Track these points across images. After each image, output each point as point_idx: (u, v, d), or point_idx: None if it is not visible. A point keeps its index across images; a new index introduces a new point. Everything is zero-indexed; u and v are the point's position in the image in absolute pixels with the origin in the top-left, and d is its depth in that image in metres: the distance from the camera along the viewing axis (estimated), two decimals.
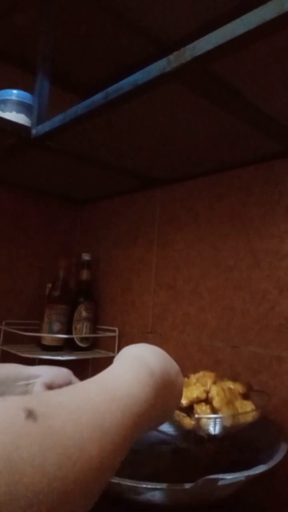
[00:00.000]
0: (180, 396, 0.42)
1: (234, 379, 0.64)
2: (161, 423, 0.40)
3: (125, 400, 0.29)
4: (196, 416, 0.55)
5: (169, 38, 0.89)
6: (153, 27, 0.88)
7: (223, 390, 0.57)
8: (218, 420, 0.55)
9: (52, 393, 0.27)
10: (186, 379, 0.64)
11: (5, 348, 1.03)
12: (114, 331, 1.09)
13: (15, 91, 0.84)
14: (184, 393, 0.56)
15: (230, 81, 0.55)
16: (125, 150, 0.83)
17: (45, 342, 1.04)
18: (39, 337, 1.06)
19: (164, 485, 0.47)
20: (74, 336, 1.07)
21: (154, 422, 0.36)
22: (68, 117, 0.69)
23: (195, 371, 0.88)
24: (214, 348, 0.86)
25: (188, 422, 0.55)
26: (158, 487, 0.46)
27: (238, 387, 0.61)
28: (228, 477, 0.46)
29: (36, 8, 0.81)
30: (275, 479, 0.63)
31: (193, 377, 0.63)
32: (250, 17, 0.43)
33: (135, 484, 0.46)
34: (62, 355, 1.01)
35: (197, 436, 0.56)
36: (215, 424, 0.55)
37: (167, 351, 1.00)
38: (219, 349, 0.85)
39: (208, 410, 0.56)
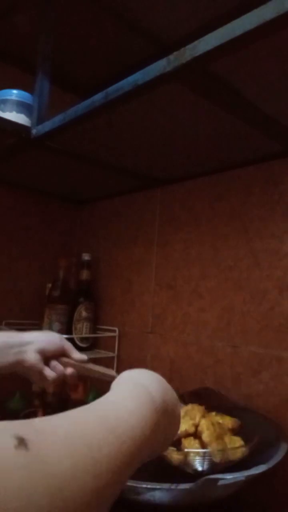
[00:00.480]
0: (178, 424, 0.41)
1: (222, 414, 0.63)
2: (161, 451, 0.38)
3: (123, 431, 0.27)
4: (185, 450, 0.54)
5: (169, 38, 0.89)
6: (153, 27, 0.88)
7: (213, 424, 0.56)
8: (207, 455, 0.53)
9: (47, 419, 0.25)
10: None
11: None
12: (114, 331, 1.09)
13: (15, 91, 0.84)
14: None
15: (230, 81, 0.55)
16: (125, 150, 0.83)
17: None
18: None
19: (164, 485, 0.47)
20: (74, 336, 1.07)
21: (154, 450, 0.34)
22: (68, 117, 0.69)
23: (195, 371, 0.88)
24: (214, 348, 0.86)
25: (176, 456, 0.54)
26: (158, 487, 0.46)
27: (227, 422, 0.60)
28: (228, 477, 0.46)
29: (36, 8, 0.81)
30: (275, 479, 0.63)
31: (181, 410, 0.63)
32: (250, 17, 0.43)
33: (135, 484, 0.46)
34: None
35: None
36: (204, 459, 0.53)
37: (167, 351, 1.00)
38: (219, 349, 0.85)
39: (197, 445, 0.55)
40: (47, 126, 0.74)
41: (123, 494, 0.48)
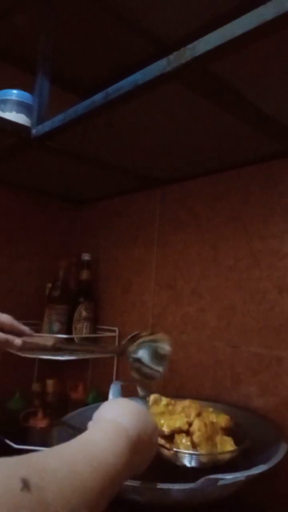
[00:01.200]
0: (155, 448, 0.46)
1: (219, 411, 0.64)
2: (138, 473, 0.43)
3: (105, 467, 0.32)
4: (174, 449, 0.56)
5: (169, 38, 0.89)
6: (153, 27, 0.88)
7: (205, 425, 0.58)
8: (194, 456, 0.56)
9: (42, 457, 0.30)
10: (172, 404, 0.64)
11: None
12: (114, 331, 1.09)
13: (15, 91, 0.84)
14: (167, 422, 0.58)
15: (230, 81, 0.55)
16: (125, 150, 0.83)
17: None
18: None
19: (164, 485, 0.47)
20: (74, 336, 1.07)
21: (130, 476, 0.40)
22: (68, 117, 0.69)
23: (195, 371, 0.88)
24: (214, 348, 0.86)
25: (166, 453, 0.56)
26: (158, 487, 0.46)
27: (221, 421, 0.61)
28: (228, 477, 0.46)
29: (36, 8, 0.81)
30: (275, 479, 0.63)
31: (179, 405, 0.64)
32: (250, 17, 0.43)
33: (135, 484, 0.46)
34: (62, 355, 1.01)
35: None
36: (191, 459, 0.56)
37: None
38: (219, 349, 0.85)
39: (188, 443, 0.57)
40: (47, 126, 0.74)
41: (123, 494, 0.48)
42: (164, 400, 0.66)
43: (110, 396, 0.77)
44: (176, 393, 0.90)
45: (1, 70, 1.04)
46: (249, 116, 0.64)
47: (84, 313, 1.09)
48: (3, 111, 0.83)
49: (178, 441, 0.57)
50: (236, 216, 0.86)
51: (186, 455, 0.56)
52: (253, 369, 0.79)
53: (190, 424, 0.58)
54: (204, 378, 0.87)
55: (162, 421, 0.59)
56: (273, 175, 0.81)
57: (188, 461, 0.56)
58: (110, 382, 0.81)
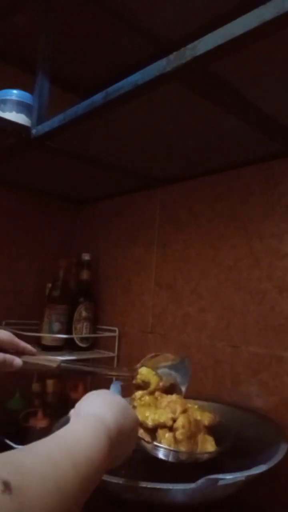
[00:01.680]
0: (133, 442, 0.47)
1: (203, 409, 0.65)
2: (116, 465, 0.44)
3: (85, 464, 0.32)
4: (154, 443, 0.57)
5: (169, 38, 0.89)
6: (153, 27, 0.88)
7: (189, 422, 0.58)
8: (173, 452, 0.56)
9: (21, 456, 0.29)
10: (158, 397, 0.65)
11: None
12: (114, 331, 1.09)
13: (15, 91, 0.84)
14: (151, 415, 0.59)
15: (230, 81, 0.55)
16: (125, 150, 0.83)
17: (45, 342, 1.04)
18: (39, 337, 1.06)
19: (164, 485, 0.46)
20: (74, 336, 1.07)
21: (108, 469, 0.40)
22: (68, 117, 0.69)
23: (195, 371, 0.88)
24: (214, 348, 0.86)
25: (148, 446, 0.57)
26: (158, 487, 0.46)
27: (204, 419, 0.61)
28: (228, 477, 0.46)
29: (36, 8, 0.81)
30: (275, 479, 0.63)
31: (165, 399, 0.64)
32: (250, 17, 0.43)
33: (135, 484, 0.46)
34: (62, 355, 1.01)
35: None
36: (170, 454, 0.56)
37: (167, 351, 0.99)
38: (219, 349, 0.85)
39: (171, 438, 0.57)
40: (47, 126, 0.74)
41: (123, 494, 0.48)
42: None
43: None
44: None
45: (1, 70, 1.04)
46: (249, 116, 0.64)
47: (84, 313, 1.09)
48: (3, 111, 0.83)
49: (161, 435, 0.58)
50: (236, 216, 0.86)
51: (166, 450, 0.57)
52: (253, 369, 0.79)
53: (174, 420, 0.58)
54: (204, 378, 0.87)
55: (147, 414, 0.59)
56: (273, 175, 0.81)
57: (166, 456, 0.57)
58: (110, 382, 0.81)
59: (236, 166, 0.87)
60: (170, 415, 0.58)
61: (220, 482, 0.46)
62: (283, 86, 0.56)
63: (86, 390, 1.08)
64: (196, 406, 0.65)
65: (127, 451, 0.45)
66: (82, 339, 1.09)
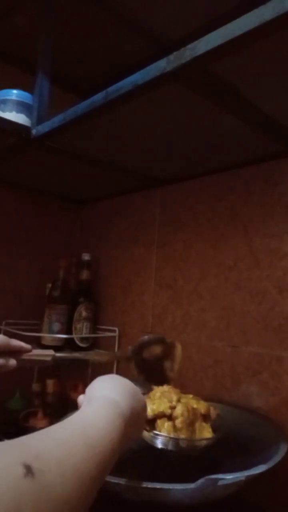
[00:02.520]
0: (143, 424, 0.48)
1: (198, 398, 0.66)
2: (130, 446, 0.45)
3: (100, 447, 0.33)
4: (154, 432, 0.57)
5: (169, 38, 0.89)
6: (153, 27, 0.88)
7: (188, 410, 0.59)
8: (173, 440, 0.57)
9: (39, 441, 0.30)
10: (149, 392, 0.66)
11: None
12: (114, 331, 1.09)
13: (15, 91, 0.84)
14: (150, 406, 0.59)
15: (230, 81, 0.55)
16: (125, 150, 0.83)
17: (45, 342, 1.04)
18: (39, 337, 1.06)
19: (164, 485, 0.47)
20: (74, 336, 1.07)
21: (121, 452, 0.40)
22: (68, 117, 0.69)
23: (195, 371, 0.88)
24: (214, 348, 0.86)
25: (147, 435, 0.58)
26: (158, 487, 0.46)
27: (200, 407, 0.62)
28: (228, 477, 0.46)
29: (36, 8, 0.81)
30: (275, 479, 0.63)
31: (157, 390, 0.64)
32: (250, 17, 0.43)
33: (135, 484, 0.46)
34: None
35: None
36: (169, 442, 0.57)
37: None
38: (219, 349, 0.85)
39: (169, 427, 0.58)
40: (47, 126, 0.74)
41: (123, 494, 0.48)
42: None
43: None
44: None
45: (1, 70, 1.04)
46: (249, 116, 0.64)
47: (84, 313, 1.09)
48: (3, 111, 0.83)
49: (160, 425, 0.58)
50: (236, 216, 0.86)
51: (165, 438, 0.57)
52: (253, 369, 0.79)
53: (172, 409, 0.59)
54: (204, 378, 0.87)
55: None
56: (273, 175, 0.81)
57: (165, 445, 0.57)
58: None
59: (236, 166, 0.87)
60: (168, 404, 0.59)
61: (220, 482, 0.46)
62: (283, 86, 0.56)
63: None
64: (190, 396, 0.65)
65: (137, 434, 0.46)
66: (82, 339, 1.08)
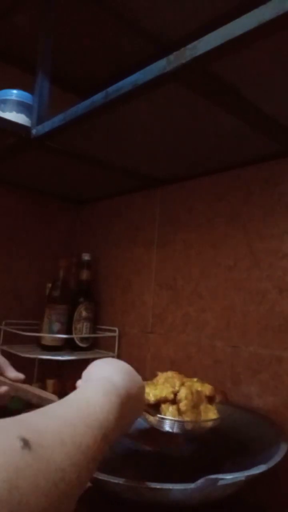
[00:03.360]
0: (142, 406, 0.48)
1: (202, 381, 0.66)
2: (126, 431, 0.45)
3: (98, 425, 0.33)
4: (159, 416, 0.58)
5: (169, 38, 0.89)
6: (153, 27, 0.88)
7: (192, 393, 0.59)
8: (179, 422, 0.57)
9: (38, 417, 0.31)
10: (154, 378, 0.66)
11: (5, 348, 1.03)
12: (114, 331, 1.09)
13: (15, 91, 0.84)
14: (152, 391, 0.59)
15: (230, 81, 0.55)
16: (125, 150, 0.83)
17: (45, 342, 1.04)
18: (39, 337, 1.06)
19: (164, 485, 0.46)
20: (74, 336, 1.07)
21: (119, 433, 0.41)
22: (68, 117, 0.69)
23: (195, 371, 0.88)
24: (214, 348, 0.86)
25: (152, 420, 0.58)
26: (158, 487, 0.46)
27: (205, 390, 0.62)
28: (228, 477, 0.46)
29: (36, 8, 0.81)
30: (275, 479, 0.63)
31: (161, 376, 0.65)
32: (250, 17, 0.43)
33: (135, 484, 0.46)
34: (62, 355, 1.01)
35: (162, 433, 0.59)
36: (175, 425, 0.57)
37: (167, 351, 1.00)
38: (219, 349, 0.85)
39: (175, 411, 0.58)
40: (47, 126, 0.74)
41: (123, 494, 0.48)
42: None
43: None
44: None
45: (1, 70, 1.04)
46: (249, 116, 0.64)
47: (84, 313, 1.09)
48: (3, 111, 0.83)
49: (164, 409, 0.58)
50: (236, 216, 0.86)
51: (171, 421, 0.57)
52: (253, 369, 0.79)
53: (175, 394, 0.59)
54: (204, 378, 0.87)
55: (147, 390, 0.60)
56: (273, 175, 0.81)
57: (171, 428, 0.58)
58: None
59: (236, 166, 0.87)
60: (171, 389, 0.60)
61: (220, 482, 0.46)
62: (283, 86, 0.56)
63: None
64: (195, 379, 0.66)
65: (135, 415, 0.46)
66: (82, 339, 1.09)
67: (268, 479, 0.54)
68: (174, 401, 0.59)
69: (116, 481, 0.46)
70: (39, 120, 0.77)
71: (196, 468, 0.56)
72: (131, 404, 0.42)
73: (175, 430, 0.57)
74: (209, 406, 0.61)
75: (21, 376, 0.63)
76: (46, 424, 0.29)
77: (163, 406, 0.58)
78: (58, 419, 0.31)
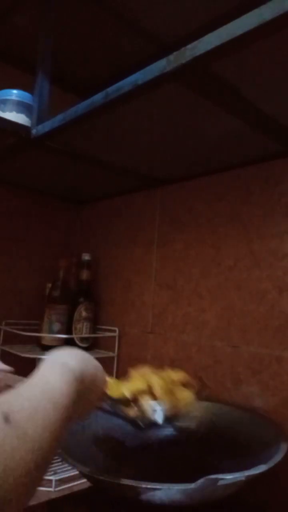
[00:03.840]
0: (99, 390, 0.52)
1: (176, 370, 0.68)
2: (88, 411, 0.50)
3: (60, 401, 0.38)
4: (137, 407, 0.59)
5: (169, 38, 0.89)
6: (153, 27, 0.88)
7: (163, 379, 0.61)
8: (158, 409, 0.59)
9: (12, 396, 0.35)
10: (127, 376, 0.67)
11: (5, 348, 1.03)
12: (114, 331, 1.09)
13: (15, 91, 0.84)
14: (127, 387, 0.61)
15: (230, 81, 0.55)
16: (125, 150, 0.83)
17: (45, 342, 1.04)
18: (39, 337, 1.06)
19: (164, 485, 0.46)
20: (74, 336, 1.07)
21: (79, 413, 0.47)
22: (68, 117, 0.69)
23: (195, 371, 0.88)
24: (214, 348, 0.86)
25: (132, 412, 0.60)
26: (158, 487, 0.46)
27: (178, 376, 0.64)
28: (228, 477, 0.46)
29: (36, 8, 0.81)
30: (275, 479, 0.63)
31: (134, 372, 0.66)
32: (250, 17, 0.43)
33: (135, 484, 0.46)
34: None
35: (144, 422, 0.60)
36: (155, 411, 0.59)
37: (167, 351, 1.00)
38: (219, 349, 0.85)
39: (151, 400, 0.60)
40: (47, 126, 0.74)
41: (123, 494, 0.48)
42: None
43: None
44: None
45: (1, 70, 1.04)
46: (249, 116, 0.64)
47: (84, 313, 1.09)
48: (3, 111, 0.83)
49: (141, 400, 0.60)
50: (236, 216, 0.86)
51: (151, 410, 0.59)
52: (253, 369, 0.79)
53: (148, 384, 0.61)
54: (204, 378, 0.87)
55: (120, 388, 0.61)
56: (273, 175, 0.81)
57: (151, 416, 0.59)
58: None
59: (236, 166, 0.87)
60: (144, 380, 0.61)
61: (220, 482, 0.46)
62: (283, 86, 0.56)
63: None
64: (168, 369, 0.67)
65: (93, 399, 0.50)
66: (82, 339, 1.09)
67: (268, 479, 0.54)
68: (149, 392, 0.60)
69: (116, 481, 0.46)
70: (39, 120, 0.77)
71: (196, 468, 0.56)
72: (87, 383, 0.46)
73: (155, 417, 0.59)
74: (184, 389, 0.63)
75: (9, 368, 0.65)
76: (21, 403, 0.34)
77: (140, 398, 0.60)
78: (29, 400, 0.35)
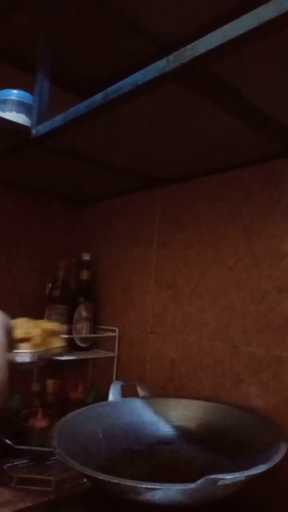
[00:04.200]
0: (2, 367, 0.57)
1: (48, 320, 0.78)
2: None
3: None
4: (14, 351, 0.67)
5: (169, 38, 0.89)
6: (153, 27, 0.88)
7: (43, 330, 0.71)
8: (33, 353, 0.68)
9: None
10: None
11: None
12: (114, 331, 1.09)
13: (15, 91, 0.84)
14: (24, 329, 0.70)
15: (230, 81, 0.55)
16: (125, 150, 0.83)
17: None
18: None
19: (164, 485, 0.47)
20: (74, 336, 1.07)
21: None
22: (68, 117, 0.69)
23: (195, 371, 0.88)
24: (214, 348, 0.86)
25: (9, 356, 0.67)
26: (158, 487, 0.46)
27: (52, 326, 0.74)
28: (228, 477, 0.46)
29: (36, 8, 0.81)
30: (275, 479, 0.63)
31: (16, 323, 0.74)
32: (250, 17, 0.43)
33: (135, 484, 0.46)
34: (62, 355, 1.01)
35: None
36: (30, 356, 0.68)
37: (167, 351, 1.00)
38: (219, 349, 0.85)
39: (30, 347, 0.69)
40: (47, 126, 0.74)
41: (123, 494, 0.48)
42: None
43: (110, 396, 0.78)
44: (176, 393, 0.90)
45: (1, 70, 1.04)
46: (249, 116, 0.64)
47: (84, 313, 1.09)
48: (3, 111, 0.83)
49: (22, 347, 0.68)
50: (236, 216, 0.86)
51: (26, 353, 0.67)
52: (253, 369, 0.79)
53: (28, 333, 0.70)
54: (204, 378, 0.87)
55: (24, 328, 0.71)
56: (274, 175, 0.81)
57: (26, 358, 0.67)
58: (110, 382, 0.81)
59: (236, 166, 0.87)
60: (24, 330, 0.70)
61: (220, 482, 0.46)
62: (283, 86, 0.56)
63: (86, 390, 1.09)
64: (43, 321, 0.78)
65: None
66: (82, 339, 1.09)
67: (268, 479, 0.54)
68: (29, 340, 0.70)
69: (116, 481, 0.46)
70: (39, 120, 0.77)
71: (196, 468, 0.56)
72: None
73: (30, 359, 0.68)
74: (56, 338, 0.72)
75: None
76: None
77: (21, 345, 0.69)
78: None
